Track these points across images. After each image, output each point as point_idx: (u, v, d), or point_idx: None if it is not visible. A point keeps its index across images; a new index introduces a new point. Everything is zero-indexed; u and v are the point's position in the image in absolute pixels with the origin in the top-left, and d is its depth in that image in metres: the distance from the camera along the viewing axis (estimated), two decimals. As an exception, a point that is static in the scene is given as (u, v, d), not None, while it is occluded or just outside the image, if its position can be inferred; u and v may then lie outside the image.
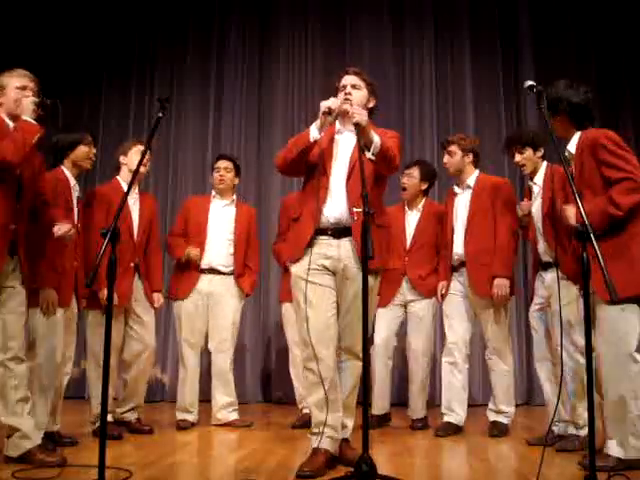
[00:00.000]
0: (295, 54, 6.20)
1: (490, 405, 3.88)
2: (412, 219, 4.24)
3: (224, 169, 4.32)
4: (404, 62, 6.12)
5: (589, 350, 2.24)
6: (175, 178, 6.10)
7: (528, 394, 5.56)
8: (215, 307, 4.18)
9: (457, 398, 3.85)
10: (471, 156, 3.96)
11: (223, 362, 4.16)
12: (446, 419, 3.85)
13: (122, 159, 3.95)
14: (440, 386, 4.04)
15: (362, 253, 2.40)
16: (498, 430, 3.74)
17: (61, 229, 3.14)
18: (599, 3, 6.12)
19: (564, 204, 3.03)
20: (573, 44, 6.08)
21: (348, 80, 2.97)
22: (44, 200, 3.17)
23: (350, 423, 2.96)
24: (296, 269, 2.89)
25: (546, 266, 3.45)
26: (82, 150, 3.57)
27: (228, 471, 2.86)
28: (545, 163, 3.58)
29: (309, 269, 2.80)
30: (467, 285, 3.85)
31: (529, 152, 3.56)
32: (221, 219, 4.29)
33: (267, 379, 5.81)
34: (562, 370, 2.74)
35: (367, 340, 2.41)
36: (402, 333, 4.25)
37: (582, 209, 2.30)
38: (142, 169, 3.85)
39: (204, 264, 4.19)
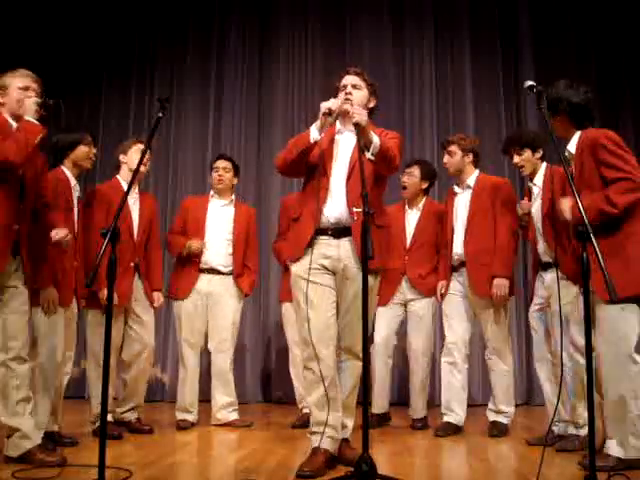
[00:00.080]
0: (295, 54, 6.20)
1: (490, 405, 3.88)
2: (412, 218, 4.24)
3: (223, 169, 4.33)
4: (404, 62, 6.12)
5: (589, 350, 2.24)
6: (175, 178, 6.11)
7: (528, 394, 5.56)
8: (214, 307, 4.18)
9: (457, 398, 3.85)
10: (471, 156, 3.96)
11: (223, 362, 4.16)
12: (446, 419, 3.85)
13: (122, 158, 3.95)
14: (440, 386, 4.04)
15: (362, 253, 2.40)
16: (498, 430, 3.74)
17: (58, 234, 3.15)
18: (599, 3, 6.12)
19: (561, 197, 3.03)
20: (573, 44, 6.08)
21: (349, 80, 2.97)
22: (45, 202, 3.17)
23: (350, 423, 2.96)
24: (296, 269, 2.89)
25: (546, 266, 3.45)
26: (82, 150, 3.57)
27: (228, 471, 2.86)
28: (545, 164, 3.59)
29: (310, 269, 2.79)
30: (467, 285, 3.86)
31: (528, 153, 3.56)
32: (220, 219, 4.29)
33: (267, 379, 5.81)
34: (562, 370, 2.74)
35: (367, 340, 2.42)
36: (402, 332, 4.25)
37: (581, 208, 2.30)
38: (142, 168, 3.85)
39: (203, 264, 4.19)
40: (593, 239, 2.19)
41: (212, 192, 4.38)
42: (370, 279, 2.62)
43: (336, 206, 2.85)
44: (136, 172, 2.75)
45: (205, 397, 4.33)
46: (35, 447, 2.86)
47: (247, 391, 5.54)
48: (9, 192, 2.85)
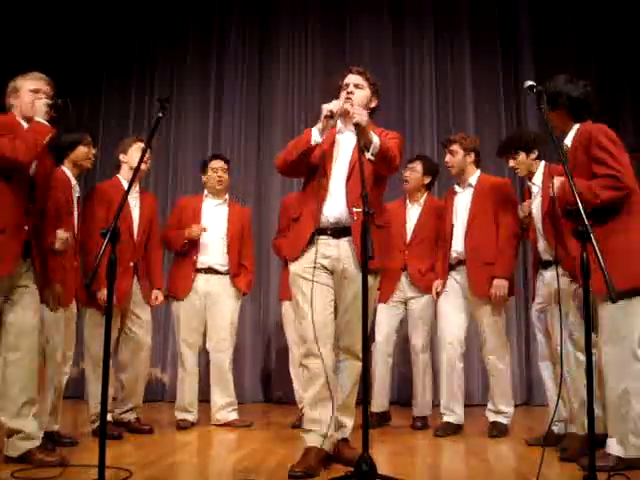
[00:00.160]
0: (295, 54, 6.20)
1: (489, 405, 3.88)
2: (413, 213, 4.25)
3: (222, 169, 4.33)
4: (404, 62, 6.12)
5: (589, 350, 2.24)
6: (175, 178, 6.10)
7: (528, 394, 5.56)
8: (213, 307, 4.18)
9: (455, 398, 3.85)
10: (473, 155, 3.97)
11: (222, 362, 4.16)
12: (445, 419, 3.85)
13: (122, 157, 3.95)
14: (437, 385, 4.05)
15: (362, 253, 2.39)
16: (498, 430, 3.74)
17: (59, 234, 3.18)
18: (599, 3, 6.12)
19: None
20: (573, 44, 6.08)
21: (351, 79, 2.97)
22: (50, 201, 3.19)
23: (350, 423, 2.96)
24: (295, 267, 2.89)
25: (546, 265, 3.45)
26: (81, 150, 3.59)
27: (228, 471, 2.86)
28: (543, 163, 3.60)
29: (314, 267, 2.79)
30: (465, 284, 3.86)
31: (522, 156, 3.58)
32: (214, 219, 4.29)
33: (267, 379, 5.81)
34: (562, 370, 2.74)
35: (367, 340, 2.42)
36: (402, 330, 4.25)
37: (581, 207, 2.31)
38: (143, 166, 3.85)
39: (200, 264, 4.19)
40: (594, 240, 2.19)
41: (206, 192, 4.37)
42: (370, 279, 2.62)
43: (336, 206, 2.85)
44: (137, 170, 2.74)
45: (205, 397, 4.33)
46: (35, 447, 2.85)
47: (247, 391, 5.54)
48: (19, 193, 2.88)
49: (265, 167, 5.96)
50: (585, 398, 2.92)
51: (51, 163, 3.19)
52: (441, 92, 6.07)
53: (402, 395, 4.71)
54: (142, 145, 3.85)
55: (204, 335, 4.22)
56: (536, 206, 3.52)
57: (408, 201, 4.30)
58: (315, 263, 2.81)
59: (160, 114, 2.58)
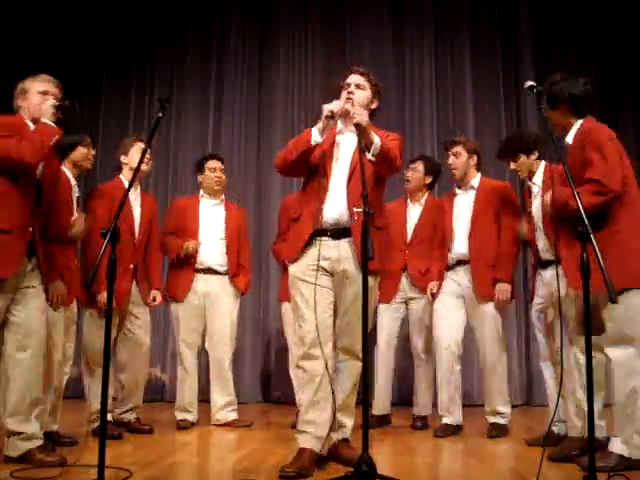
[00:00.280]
0: (295, 54, 6.20)
1: (487, 407, 3.88)
2: (414, 213, 4.26)
3: (219, 170, 4.33)
4: (404, 62, 6.12)
5: (589, 350, 2.24)
6: (175, 178, 6.11)
7: (527, 394, 5.56)
8: (212, 307, 4.18)
9: (453, 400, 3.85)
10: (475, 158, 3.97)
11: (222, 362, 4.16)
12: (445, 421, 3.85)
13: (123, 159, 3.95)
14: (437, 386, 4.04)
15: (362, 253, 2.39)
16: (497, 431, 3.74)
17: (75, 218, 3.22)
18: (599, 3, 6.12)
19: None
20: (573, 44, 6.08)
21: (353, 79, 2.96)
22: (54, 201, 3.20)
23: (350, 423, 2.96)
24: (294, 269, 2.88)
25: (546, 264, 3.45)
26: (81, 151, 3.60)
27: (228, 471, 2.86)
28: (543, 163, 3.60)
29: (317, 270, 2.78)
30: (465, 285, 3.85)
31: (522, 158, 3.59)
32: (212, 219, 4.29)
33: (266, 379, 5.81)
34: (562, 370, 2.74)
35: (367, 340, 2.41)
36: (403, 330, 4.26)
37: (580, 205, 2.31)
38: (145, 167, 3.86)
39: (199, 264, 4.18)
40: (594, 240, 2.19)
41: (202, 192, 4.36)
42: (370, 280, 2.61)
43: (336, 207, 2.84)
44: (137, 171, 2.74)
45: (205, 397, 4.33)
46: (35, 447, 2.85)
47: (246, 391, 5.54)
48: (26, 194, 2.89)
49: (265, 167, 5.96)
50: (580, 401, 2.95)
51: (57, 164, 3.20)
52: (441, 92, 6.07)
53: (402, 395, 4.71)
54: (142, 145, 3.85)
55: (203, 335, 4.22)
56: (536, 206, 3.52)
57: (409, 201, 4.31)
58: (311, 265, 2.80)
59: (160, 114, 2.58)
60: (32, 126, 2.95)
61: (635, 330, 2.75)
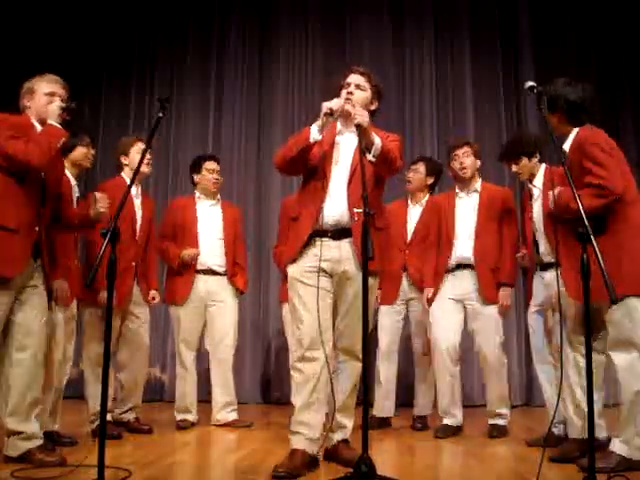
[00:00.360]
0: (295, 54, 6.20)
1: (487, 408, 3.88)
2: (414, 213, 4.26)
3: (217, 171, 4.32)
4: (404, 62, 6.12)
5: (589, 350, 2.24)
6: (175, 178, 6.10)
7: (528, 395, 5.55)
8: (212, 307, 4.18)
9: (453, 401, 3.85)
10: (478, 162, 3.98)
11: (223, 362, 4.15)
12: (445, 421, 3.84)
13: (124, 159, 3.94)
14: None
15: (362, 254, 2.39)
16: (497, 431, 3.74)
17: (96, 196, 3.21)
18: (599, 3, 6.12)
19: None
20: (573, 44, 6.08)
21: (353, 79, 2.95)
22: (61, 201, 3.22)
23: (349, 423, 2.96)
24: (293, 270, 2.88)
25: (546, 266, 3.45)
26: (80, 151, 3.60)
27: (228, 471, 2.86)
28: (544, 165, 3.60)
29: (318, 272, 2.77)
30: (466, 287, 3.84)
31: (524, 161, 3.59)
32: (209, 219, 4.28)
33: (266, 380, 5.80)
34: (562, 370, 2.74)
35: (367, 341, 2.41)
36: (404, 332, 4.26)
37: (581, 207, 2.31)
38: (146, 169, 3.86)
39: (200, 265, 4.17)
40: (594, 241, 2.19)
41: (198, 193, 4.34)
42: (370, 280, 2.61)
43: (336, 207, 2.83)
44: (136, 173, 2.74)
45: (205, 397, 4.33)
46: (35, 447, 2.86)
47: (246, 392, 5.53)
48: (32, 194, 2.90)
49: (265, 167, 5.96)
50: (579, 401, 2.96)
51: (62, 166, 3.21)
52: (441, 92, 6.07)
53: (402, 395, 4.71)
54: (143, 146, 3.84)
55: (203, 335, 4.22)
56: (537, 209, 3.52)
57: (410, 201, 4.31)
58: (310, 266, 2.80)
59: (160, 114, 2.58)
60: (39, 127, 2.96)
61: (637, 335, 2.74)
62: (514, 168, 3.63)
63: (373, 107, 2.98)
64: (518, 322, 5.60)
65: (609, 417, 3.17)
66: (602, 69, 6.04)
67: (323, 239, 2.82)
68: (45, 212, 2.98)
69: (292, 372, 2.85)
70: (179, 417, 4.08)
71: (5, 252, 2.77)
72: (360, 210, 2.57)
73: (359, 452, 2.34)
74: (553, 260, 3.35)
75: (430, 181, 4.28)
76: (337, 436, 2.92)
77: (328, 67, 5.92)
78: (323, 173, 2.88)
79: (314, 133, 2.80)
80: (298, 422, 2.77)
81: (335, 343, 2.89)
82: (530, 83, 2.65)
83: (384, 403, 4.16)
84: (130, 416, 3.87)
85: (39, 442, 2.89)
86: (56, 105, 2.94)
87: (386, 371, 4.14)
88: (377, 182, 2.91)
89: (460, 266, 3.87)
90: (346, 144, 2.94)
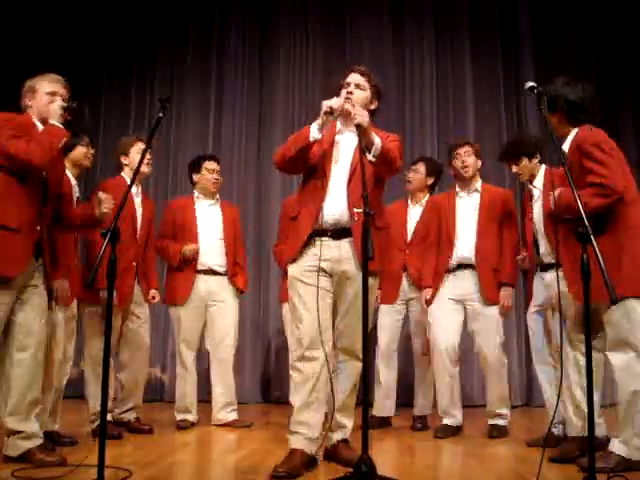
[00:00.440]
0: (295, 54, 6.20)
1: (487, 408, 3.88)
2: (414, 213, 4.26)
3: (217, 172, 4.32)
4: (404, 62, 6.12)
5: (589, 350, 2.24)
6: (175, 178, 6.10)
7: (528, 395, 5.55)
8: (213, 307, 4.18)
9: (452, 401, 3.85)
10: (479, 162, 3.98)
11: (224, 362, 4.15)
12: (445, 421, 3.85)
13: (124, 159, 3.94)
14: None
15: (362, 254, 2.39)
16: (497, 432, 3.74)
17: (100, 196, 3.19)
18: (599, 3, 6.12)
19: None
20: (573, 44, 6.09)
21: (353, 79, 2.95)
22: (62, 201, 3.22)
23: (349, 423, 2.96)
24: (292, 270, 2.88)
25: (547, 267, 3.45)
26: (80, 151, 3.61)
27: (228, 471, 2.86)
28: (544, 166, 3.60)
29: (318, 271, 2.77)
30: (467, 288, 3.84)
31: (525, 161, 3.59)
32: (209, 219, 4.28)
33: (266, 379, 5.81)
34: (562, 371, 2.74)
35: (367, 341, 2.41)
36: (404, 332, 4.26)
37: (582, 208, 2.31)
38: (146, 170, 3.86)
39: (200, 265, 4.17)
40: (594, 242, 2.19)
41: (197, 193, 4.33)
42: (370, 280, 2.61)
43: (335, 207, 2.83)
44: (136, 173, 2.74)
45: (205, 397, 4.33)
46: (35, 447, 2.86)
47: (246, 391, 5.53)
48: (33, 193, 2.90)
49: (265, 167, 5.96)
50: (579, 401, 2.95)
51: (62, 165, 3.22)
52: (441, 92, 6.07)
53: (402, 395, 4.71)
54: (143, 146, 3.84)
55: (202, 335, 4.22)
56: (537, 210, 3.53)
57: (410, 201, 4.31)
58: (309, 265, 2.80)
59: (161, 114, 2.58)
60: (40, 126, 2.96)
61: (634, 335, 2.74)
62: (514, 169, 3.63)
63: (373, 107, 2.98)
64: (518, 322, 5.60)
65: (607, 417, 3.18)
66: (602, 69, 6.04)
67: (323, 238, 2.82)
68: (46, 212, 2.99)
69: (291, 371, 2.84)
70: (179, 417, 4.08)
71: (7, 252, 2.77)
72: (360, 210, 2.57)
73: (359, 452, 2.34)
74: (553, 261, 3.35)
75: (430, 181, 4.28)
76: (337, 436, 2.92)
77: (328, 67, 5.92)
78: (323, 172, 2.88)
79: (314, 132, 2.79)
80: (297, 422, 2.77)
81: (335, 343, 2.89)
82: (530, 83, 2.65)
83: (384, 402, 4.16)
84: (130, 416, 3.87)
85: (39, 442, 2.89)
86: (58, 105, 2.94)
87: (385, 370, 4.15)
88: (377, 182, 2.91)
89: (461, 266, 3.87)
90: (346, 143, 2.94)
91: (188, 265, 4.14)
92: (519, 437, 3.72)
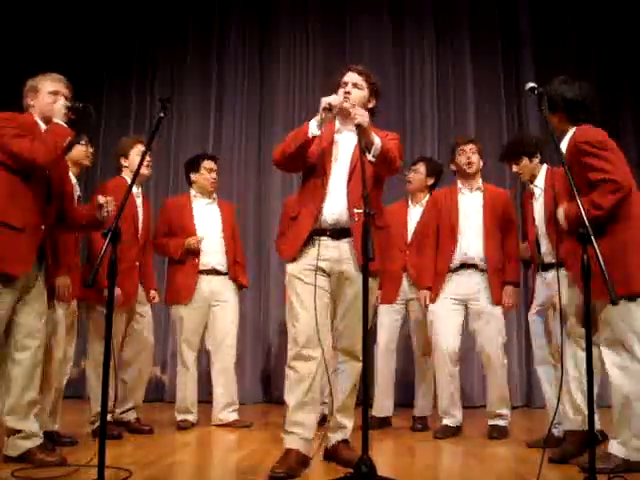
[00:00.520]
0: (295, 54, 6.20)
1: (487, 409, 3.88)
2: (415, 213, 4.26)
3: (215, 171, 4.32)
4: (404, 62, 6.12)
5: (589, 350, 2.24)
6: (176, 179, 6.08)
7: (528, 396, 5.54)
8: (216, 307, 4.18)
9: (452, 402, 3.85)
10: (481, 162, 3.98)
11: (224, 362, 4.16)
12: (445, 422, 3.84)
13: (123, 161, 3.94)
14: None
15: (362, 254, 2.39)
16: (497, 432, 3.74)
17: (99, 199, 3.17)
18: (599, 3, 6.12)
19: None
20: (573, 44, 6.08)
21: (350, 78, 2.93)
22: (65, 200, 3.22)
23: (349, 424, 2.95)
24: (291, 268, 2.87)
25: (548, 267, 3.45)
26: (79, 150, 3.60)
27: (228, 471, 2.86)
28: (545, 166, 3.60)
29: (315, 271, 2.77)
30: (470, 288, 3.83)
31: (525, 161, 3.59)
32: (208, 219, 4.28)
33: (266, 379, 5.80)
34: (562, 371, 2.74)
35: (367, 341, 2.41)
36: (404, 332, 4.26)
37: (582, 208, 2.31)
38: (146, 172, 3.86)
39: (203, 265, 4.17)
40: (594, 242, 2.19)
41: (194, 192, 4.32)
42: (370, 280, 2.61)
43: (335, 206, 2.83)
44: (136, 175, 2.74)
45: (205, 398, 4.33)
46: (35, 447, 2.86)
47: (247, 391, 5.53)
48: (37, 193, 2.90)
49: (265, 167, 5.95)
50: (576, 400, 2.95)
51: (65, 164, 3.22)
52: (441, 92, 6.07)
53: (402, 396, 4.72)
54: (143, 148, 3.84)
55: (204, 335, 4.22)
56: (538, 209, 3.52)
57: (410, 202, 4.31)
58: (309, 265, 2.79)
59: (162, 114, 2.58)
60: (43, 125, 2.96)
61: (628, 336, 2.74)
62: (515, 168, 3.63)
63: (370, 105, 2.96)
64: (518, 322, 5.60)
65: (606, 417, 3.17)
66: (602, 69, 6.03)
67: (322, 238, 2.82)
68: (50, 211, 2.99)
69: (287, 370, 2.83)
70: (179, 417, 4.08)
71: (12, 251, 2.77)
72: (360, 210, 2.57)
73: (359, 452, 2.34)
74: (554, 261, 3.35)
75: (430, 181, 4.28)
76: (337, 436, 2.92)
77: (328, 67, 5.91)
78: (323, 170, 2.87)
79: (313, 128, 2.78)
80: (292, 422, 2.77)
81: (335, 343, 2.89)
82: (531, 84, 2.65)
83: (383, 402, 4.16)
84: (131, 416, 3.87)
85: (39, 441, 2.90)
86: (62, 104, 2.94)
87: (384, 369, 4.15)
88: (376, 182, 2.91)
89: (464, 265, 3.86)
90: (345, 142, 2.94)
91: (190, 259, 4.12)
92: (519, 438, 3.72)
